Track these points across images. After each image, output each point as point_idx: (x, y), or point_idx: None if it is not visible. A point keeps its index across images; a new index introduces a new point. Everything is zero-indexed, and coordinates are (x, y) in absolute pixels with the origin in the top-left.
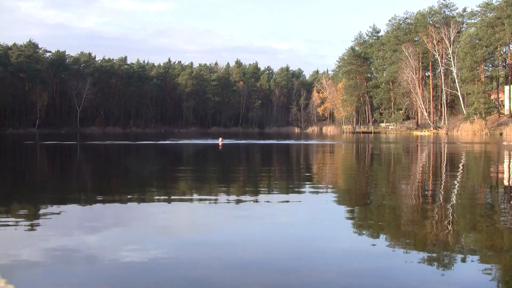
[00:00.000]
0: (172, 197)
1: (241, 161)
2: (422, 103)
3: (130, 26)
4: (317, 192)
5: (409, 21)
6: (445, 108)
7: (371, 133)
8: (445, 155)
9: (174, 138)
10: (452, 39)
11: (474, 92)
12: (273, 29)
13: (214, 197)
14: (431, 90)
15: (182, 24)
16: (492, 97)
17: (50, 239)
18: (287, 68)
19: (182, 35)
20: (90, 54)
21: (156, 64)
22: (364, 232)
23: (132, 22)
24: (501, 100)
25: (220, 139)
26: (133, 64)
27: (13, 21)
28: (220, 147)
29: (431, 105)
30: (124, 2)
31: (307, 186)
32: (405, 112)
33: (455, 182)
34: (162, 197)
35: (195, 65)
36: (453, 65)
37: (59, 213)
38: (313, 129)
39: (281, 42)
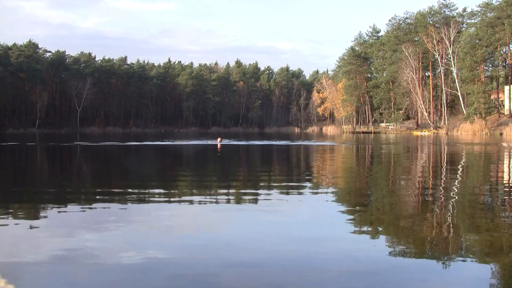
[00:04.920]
0: (172, 198)
1: (241, 163)
2: (422, 103)
3: (133, 26)
4: (318, 193)
5: (409, 21)
6: (445, 108)
7: (371, 133)
8: (445, 156)
9: (160, 139)
10: (452, 39)
11: (474, 92)
12: (276, 29)
13: (214, 198)
14: (431, 90)
15: (185, 24)
16: (492, 97)
17: (50, 239)
18: (287, 68)
19: (184, 35)
20: (90, 54)
21: (156, 64)
22: (365, 232)
23: (135, 22)
24: (501, 100)
25: (219, 139)
26: (133, 64)
27: (16, 21)
28: (219, 149)
29: (431, 105)
30: (128, 1)
31: (307, 187)
32: (405, 112)
33: (455, 183)
34: (162, 198)
35: (195, 65)
36: (453, 65)
37: (60, 214)
38: (313, 129)
39: (284, 42)
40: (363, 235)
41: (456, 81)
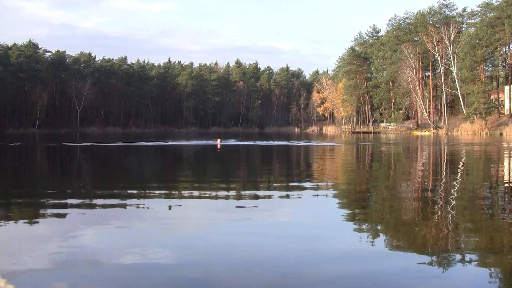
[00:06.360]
0: (173, 199)
1: (241, 164)
2: (422, 103)
3: (133, 26)
4: (318, 194)
5: (409, 21)
6: (445, 108)
7: (371, 133)
8: (445, 156)
9: (161, 139)
10: (452, 39)
11: (474, 92)
12: (276, 29)
13: (214, 199)
14: (431, 90)
15: (185, 24)
16: (492, 97)
17: (51, 239)
18: (287, 68)
19: (185, 35)
20: (90, 54)
21: (156, 64)
22: (364, 233)
23: (135, 22)
24: (501, 100)
25: (219, 140)
26: (133, 64)
27: (17, 21)
28: (218, 149)
29: (431, 105)
30: (128, 1)
31: (307, 188)
32: (405, 112)
33: (455, 183)
34: (163, 199)
35: (195, 65)
36: (453, 65)
37: (60, 214)
38: (313, 129)
39: (285, 42)
40: (363, 235)
41: (456, 81)
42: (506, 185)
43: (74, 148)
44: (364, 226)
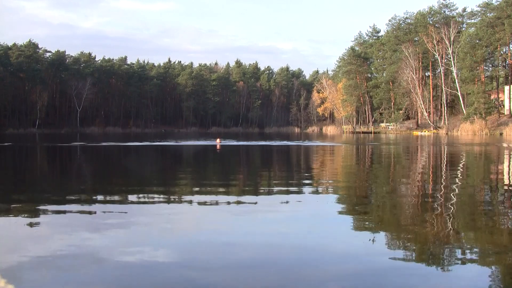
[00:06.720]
0: (173, 199)
1: (241, 164)
2: (422, 103)
3: (134, 26)
4: (318, 194)
5: (409, 21)
6: (445, 108)
7: (371, 133)
8: (445, 157)
9: (160, 139)
10: (452, 39)
11: (474, 92)
12: (276, 29)
13: (214, 199)
14: (431, 90)
15: (185, 24)
16: (492, 97)
17: (51, 239)
18: (287, 68)
19: (185, 35)
20: (90, 54)
21: (156, 64)
22: (365, 233)
23: (135, 22)
24: (501, 100)
25: (218, 140)
26: (133, 64)
27: (17, 21)
28: (218, 149)
29: (431, 105)
30: (128, 1)
31: (307, 188)
32: (405, 112)
33: (455, 184)
34: (163, 199)
35: (195, 65)
36: (453, 65)
37: (60, 214)
38: (313, 129)
39: (285, 42)
40: (363, 235)
41: (456, 81)
42: (506, 187)
43: (68, 148)
44: (364, 227)
